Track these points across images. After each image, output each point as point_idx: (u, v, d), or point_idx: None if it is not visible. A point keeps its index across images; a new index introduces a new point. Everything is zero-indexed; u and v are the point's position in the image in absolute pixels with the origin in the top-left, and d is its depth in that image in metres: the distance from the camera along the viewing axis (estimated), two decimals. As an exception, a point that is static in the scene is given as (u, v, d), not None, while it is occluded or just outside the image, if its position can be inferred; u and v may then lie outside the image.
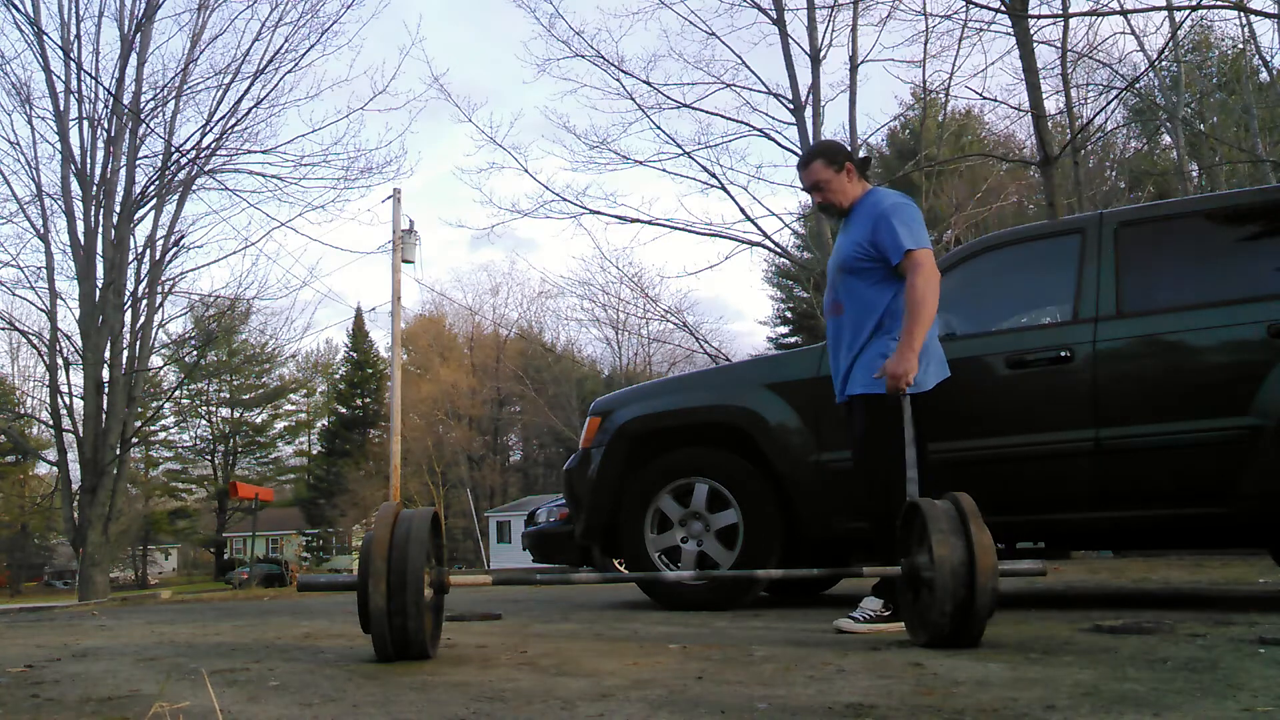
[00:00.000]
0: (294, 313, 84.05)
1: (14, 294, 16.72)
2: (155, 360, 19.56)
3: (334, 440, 51.17)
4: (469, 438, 47.84)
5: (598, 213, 15.77)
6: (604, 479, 4.50)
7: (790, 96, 15.53)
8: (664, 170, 15.89)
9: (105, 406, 15.82)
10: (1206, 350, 3.80)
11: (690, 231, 15.74)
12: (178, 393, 27.33)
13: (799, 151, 15.43)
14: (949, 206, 20.94)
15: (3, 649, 3.40)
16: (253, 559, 38.10)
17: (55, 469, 18.58)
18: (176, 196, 16.65)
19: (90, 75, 16.18)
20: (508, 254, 74.33)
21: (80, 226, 15.95)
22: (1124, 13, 13.26)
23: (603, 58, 15.45)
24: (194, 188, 16.88)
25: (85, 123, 16.13)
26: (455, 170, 71.18)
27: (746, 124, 15.83)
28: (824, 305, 3.60)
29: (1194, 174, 20.69)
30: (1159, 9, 12.24)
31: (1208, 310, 3.78)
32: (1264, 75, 19.47)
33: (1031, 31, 11.20)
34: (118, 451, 15.97)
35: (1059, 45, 14.16)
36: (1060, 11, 13.46)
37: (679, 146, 15.72)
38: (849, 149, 3.61)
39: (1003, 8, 10.96)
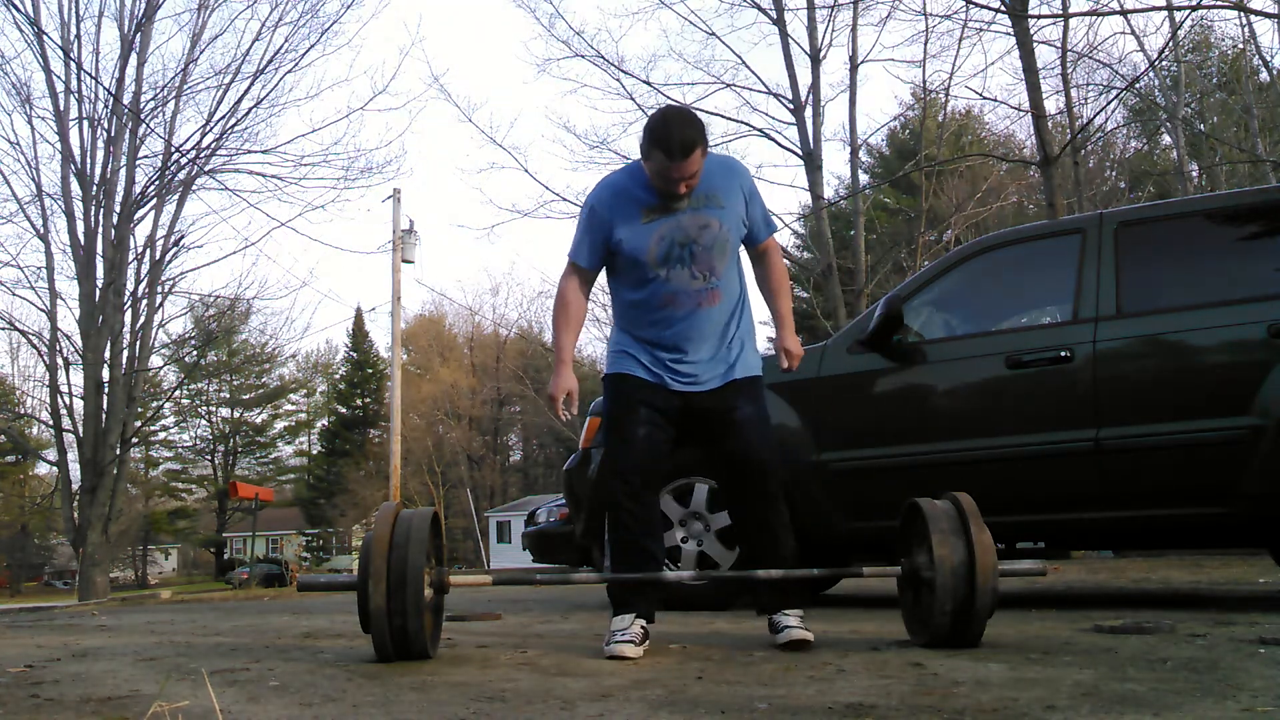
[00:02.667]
0: (294, 313, 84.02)
1: (14, 294, 16.74)
2: (155, 360, 19.58)
3: (334, 440, 51.14)
4: (469, 438, 47.82)
5: (598, 212, 15.76)
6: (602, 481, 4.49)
7: (790, 96, 15.55)
8: (664, 170, 15.88)
9: (105, 406, 15.81)
10: (1206, 350, 3.80)
11: (690, 231, 15.72)
12: (178, 393, 27.41)
13: (799, 152, 15.44)
14: (949, 206, 20.93)
15: (3, 649, 3.40)
16: (253, 559, 38.07)
17: (55, 469, 18.59)
18: (176, 196, 16.66)
19: (90, 75, 16.19)
20: (508, 254, 74.33)
21: (80, 226, 15.95)
22: (1124, 13, 13.28)
23: (602, 57, 15.51)
24: (194, 188, 16.88)
25: (85, 123, 16.13)
26: (455, 170, 71.16)
27: (746, 124, 15.87)
28: (680, 292, 2.85)
29: (1194, 174, 20.70)
30: (1159, 9, 12.25)
31: (1208, 310, 3.78)
32: (1264, 75, 19.50)
33: (1031, 31, 11.20)
34: (118, 451, 15.96)
35: (1059, 45, 14.19)
36: (1060, 11, 13.49)
37: (679, 146, 15.70)
38: None
39: (1003, 8, 10.97)
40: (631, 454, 2.89)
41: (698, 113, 2.97)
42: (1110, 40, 47.64)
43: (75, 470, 16.53)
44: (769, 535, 2.95)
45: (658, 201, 2.81)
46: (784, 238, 22.38)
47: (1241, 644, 2.67)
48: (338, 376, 54.03)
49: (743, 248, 3.02)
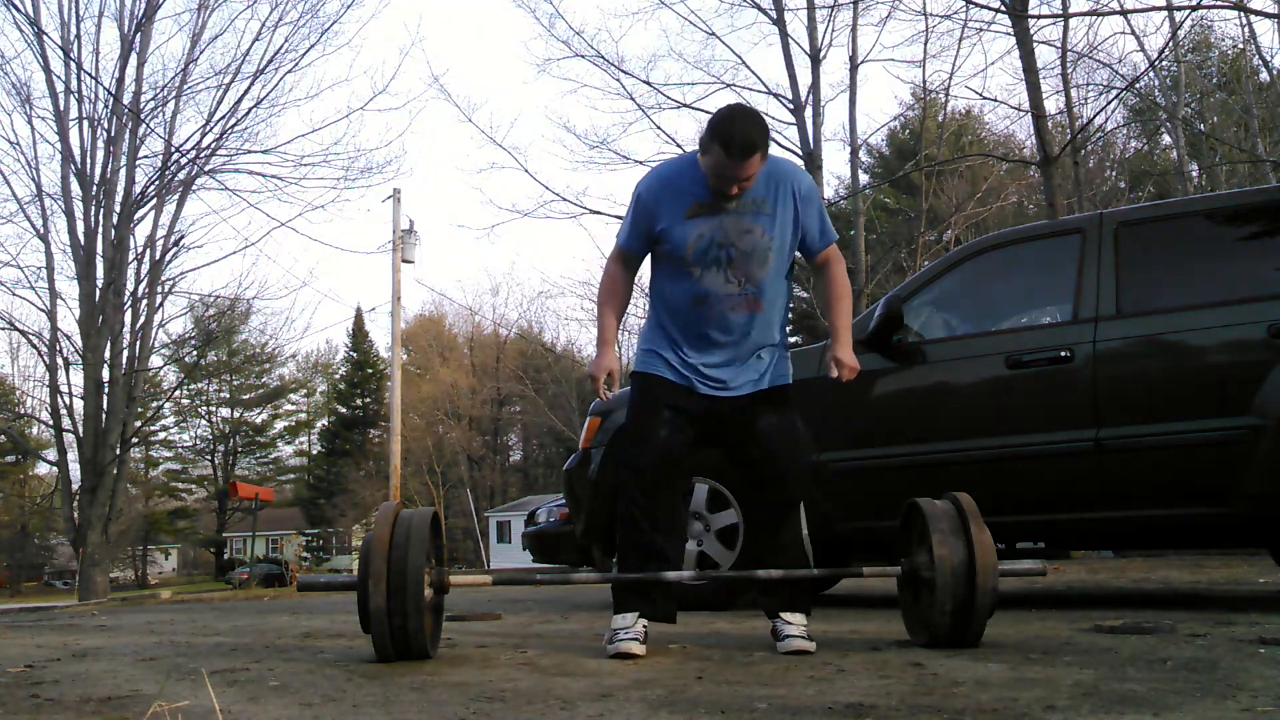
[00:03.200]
0: (294, 313, 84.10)
1: (14, 294, 16.75)
2: (155, 360, 19.58)
3: (334, 440, 51.14)
4: (469, 438, 47.81)
5: (598, 212, 15.87)
6: (604, 479, 4.50)
7: (790, 96, 15.56)
8: (664, 170, 15.88)
9: (105, 406, 15.81)
10: (1206, 350, 3.80)
11: (690, 231, 15.73)
12: (178, 393, 27.44)
13: (799, 152, 15.45)
14: (949, 206, 20.94)
15: (3, 649, 3.41)
16: (253, 559, 38.06)
17: (55, 469, 18.60)
18: (176, 196, 16.66)
19: (90, 75, 16.19)
20: (508, 254, 74.33)
21: (80, 226, 15.95)
22: (1124, 13, 13.28)
23: (603, 58, 15.52)
24: (194, 188, 16.89)
25: (85, 123, 16.12)
26: (455, 170, 71.14)
27: (747, 124, 15.82)
28: (713, 294, 2.80)
29: (1194, 174, 20.70)
30: (1159, 9, 12.26)
31: (1208, 310, 3.78)
32: (1264, 75, 19.50)
33: (1031, 31, 11.21)
34: (118, 451, 15.96)
35: (1059, 45, 14.19)
36: (1060, 11, 13.49)
37: (679, 147, 15.74)
38: None
39: (1003, 7, 10.97)
40: (649, 452, 2.85)
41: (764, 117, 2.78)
42: (1110, 40, 47.68)
43: (75, 470, 16.55)
44: (779, 538, 2.93)
45: (706, 198, 2.75)
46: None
47: (1241, 644, 2.67)
48: (338, 376, 54.05)
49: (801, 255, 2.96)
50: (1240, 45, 19.65)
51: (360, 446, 49.77)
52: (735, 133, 2.59)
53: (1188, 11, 12.67)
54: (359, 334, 51.29)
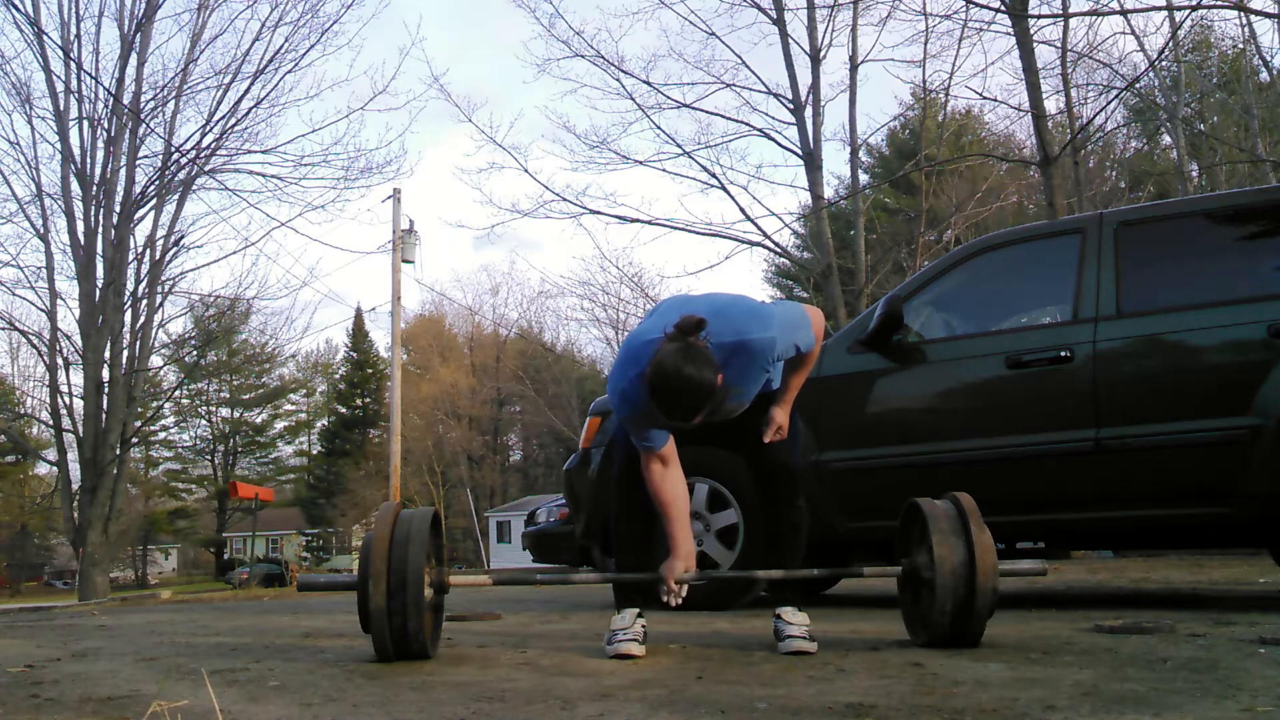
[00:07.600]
0: (294, 313, 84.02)
1: (14, 294, 16.75)
2: (155, 360, 19.57)
3: (334, 440, 51.15)
4: (469, 438, 47.81)
5: (598, 213, 15.79)
6: (604, 479, 4.50)
7: (790, 96, 15.56)
8: (664, 170, 15.92)
9: (105, 406, 15.81)
10: (1206, 350, 3.80)
11: (690, 231, 15.76)
12: (178, 393, 27.32)
13: (799, 152, 15.44)
14: (949, 206, 20.92)
15: (3, 649, 3.41)
16: (253, 559, 38.05)
17: (55, 469, 18.61)
18: (176, 196, 16.65)
19: (90, 75, 16.19)
20: (508, 254, 74.27)
21: (80, 226, 15.95)
22: (1124, 13, 13.27)
23: (603, 58, 15.49)
24: (194, 188, 16.87)
25: (85, 123, 16.12)
26: (455, 170, 71.07)
27: (746, 124, 15.86)
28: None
29: (1194, 174, 20.69)
30: (1159, 9, 12.25)
31: (1208, 310, 3.79)
32: (1264, 75, 19.48)
33: (1031, 31, 11.21)
34: (118, 451, 15.96)
35: (1059, 45, 14.19)
36: (1060, 11, 13.47)
37: (679, 146, 15.75)
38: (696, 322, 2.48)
39: (1003, 7, 10.97)
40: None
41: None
42: (1110, 40, 47.38)
43: (75, 470, 16.55)
44: (787, 527, 2.99)
45: None
46: (784, 238, 22.36)
47: (1241, 644, 2.67)
48: (338, 376, 54.05)
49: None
50: (1240, 45, 19.65)
51: (360, 446, 49.76)
52: (676, 409, 2.47)
53: (1188, 11, 12.68)
54: (359, 334, 51.30)
